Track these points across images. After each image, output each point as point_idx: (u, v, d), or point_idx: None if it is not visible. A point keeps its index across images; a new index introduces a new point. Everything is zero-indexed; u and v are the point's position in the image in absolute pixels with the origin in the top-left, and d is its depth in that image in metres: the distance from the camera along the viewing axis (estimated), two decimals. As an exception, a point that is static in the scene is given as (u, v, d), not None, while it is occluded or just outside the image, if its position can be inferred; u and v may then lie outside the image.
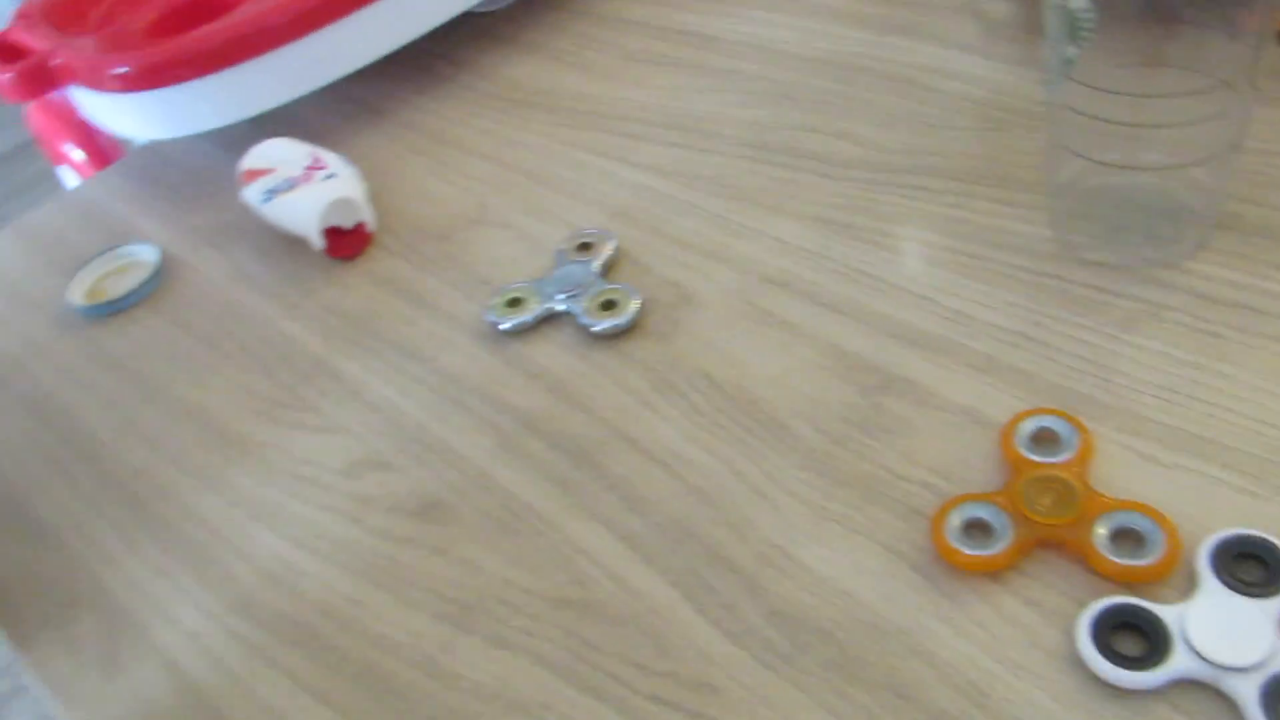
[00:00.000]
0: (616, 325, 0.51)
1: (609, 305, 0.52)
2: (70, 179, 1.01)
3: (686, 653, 0.39)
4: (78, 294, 0.63)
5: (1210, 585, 0.35)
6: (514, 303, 0.53)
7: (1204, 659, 0.33)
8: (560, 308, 0.53)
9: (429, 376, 0.52)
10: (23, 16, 0.72)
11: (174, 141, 0.75)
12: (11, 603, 0.48)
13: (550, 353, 0.52)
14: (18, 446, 0.55)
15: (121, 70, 0.65)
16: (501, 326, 0.53)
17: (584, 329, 0.52)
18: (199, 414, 0.54)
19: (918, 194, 0.54)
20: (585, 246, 0.56)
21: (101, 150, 0.96)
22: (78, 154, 0.97)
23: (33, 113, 0.69)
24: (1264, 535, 0.36)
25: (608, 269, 0.55)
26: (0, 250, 0.70)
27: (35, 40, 0.69)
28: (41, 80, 0.65)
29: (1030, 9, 0.64)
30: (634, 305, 0.51)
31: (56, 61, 0.65)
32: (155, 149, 0.75)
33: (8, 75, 0.65)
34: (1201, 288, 0.46)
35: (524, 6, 0.79)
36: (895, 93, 0.61)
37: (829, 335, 0.49)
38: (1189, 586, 0.36)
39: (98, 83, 0.65)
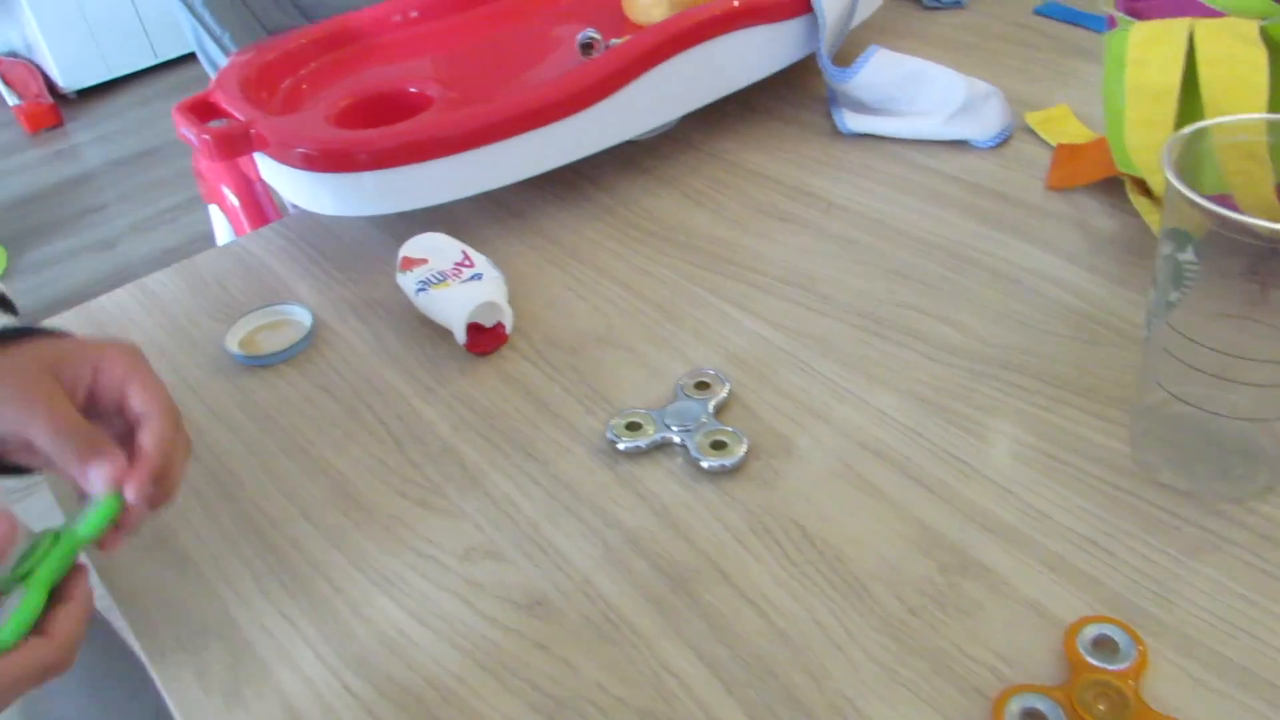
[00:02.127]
0: (724, 465, 0.56)
1: (719, 445, 0.57)
2: (218, 219, 1.10)
3: (756, 783, 0.43)
4: (234, 342, 0.70)
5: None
6: (633, 426, 0.59)
7: None
8: (675, 439, 0.58)
9: (545, 479, 0.58)
10: (220, 83, 0.80)
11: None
12: (150, 622, 0.53)
13: (660, 478, 0.57)
14: (168, 476, 0.61)
15: (305, 151, 0.72)
16: (620, 446, 0.58)
17: (694, 462, 0.57)
18: (335, 476, 0.60)
19: (1012, 390, 0.59)
20: (702, 385, 0.61)
21: (257, 203, 1.04)
22: (233, 200, 1.05)
23: (200, 153, 0.77)
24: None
25: (720, 410, 0.60)
26: (167, 288, 0.77)
27: (232, 105, 0.77)
28: (238, 144, 0.73)
29: (1136, 231, 0.69)
30: (742, 449, 0.57)
31: (253, 130, 0.73)
32: (315, 218, 0.82)
33: (209, 136, 0.73)
34: (1265, 528, 0.50)
35: (667, 142, 0.86)
36: (1001, 289, 0.66)
37: (915, 510, 0.53)
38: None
39: (284, 157, 0.72)
